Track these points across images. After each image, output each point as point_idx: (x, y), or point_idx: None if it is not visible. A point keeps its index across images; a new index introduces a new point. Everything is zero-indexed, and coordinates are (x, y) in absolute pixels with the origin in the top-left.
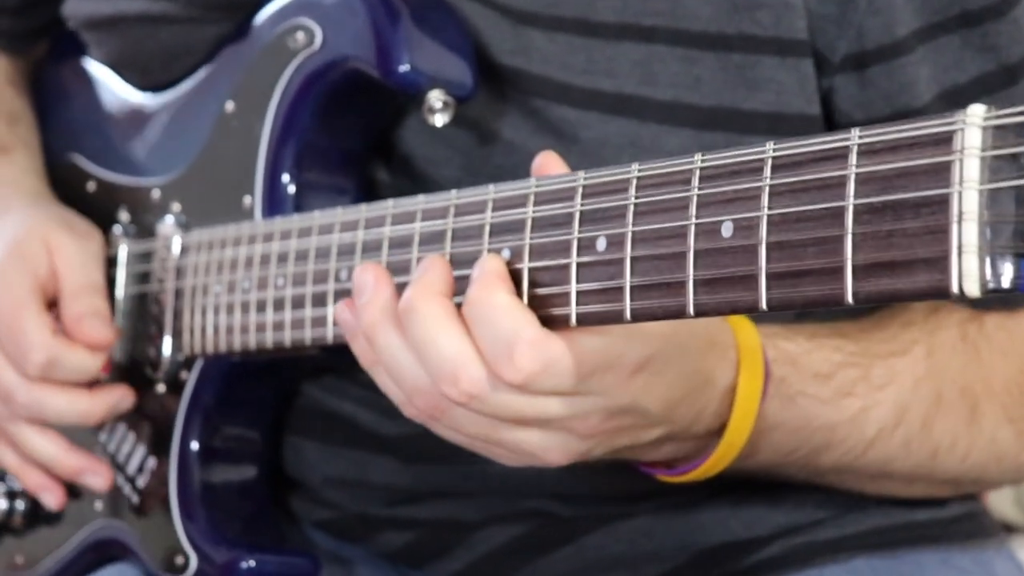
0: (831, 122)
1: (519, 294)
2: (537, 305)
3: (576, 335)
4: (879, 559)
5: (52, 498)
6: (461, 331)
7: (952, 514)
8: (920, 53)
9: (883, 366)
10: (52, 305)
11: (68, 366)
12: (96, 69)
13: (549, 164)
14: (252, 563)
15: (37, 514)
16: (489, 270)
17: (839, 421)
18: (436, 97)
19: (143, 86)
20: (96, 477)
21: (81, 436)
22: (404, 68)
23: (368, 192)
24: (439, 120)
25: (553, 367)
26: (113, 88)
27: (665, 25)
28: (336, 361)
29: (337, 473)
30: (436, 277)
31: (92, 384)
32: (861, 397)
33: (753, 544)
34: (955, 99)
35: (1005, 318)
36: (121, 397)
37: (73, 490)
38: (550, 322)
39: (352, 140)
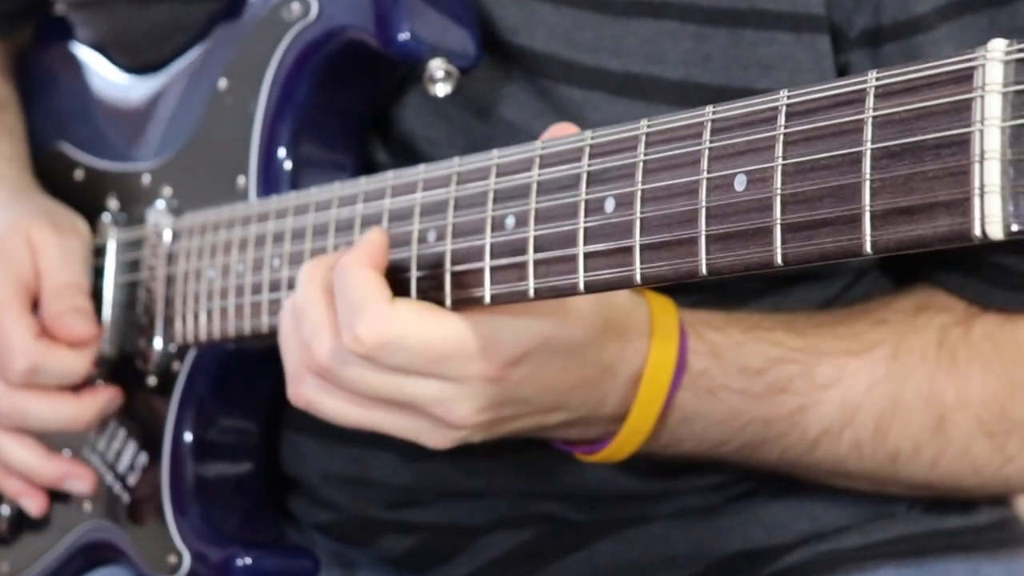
0: None
1: (525, 263)
2: (543, 272)
3: (434, 318)
4: (906, 568)
5: (33, 504)
6: (327, 303)
7: (982, 521)
8: (942, 31)
9: (831, 364)
10: (36, 306)
11: (52, 371)
12: (83, 54)
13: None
14: (248, 560)
15: (23, 519)
16: (364, 240)
17: (773, 417)
18: (437, 66)
19: (132, 66)
20: (78, 482)
21: (69, 434)
22: (404, 36)
23: (372, 159)
24: (440, 90)
25: (397, 343)
26: (100, 73)
27: (676, 0)
28: None
29: (336, 470)
30: (333, 254)
31: (79, 387)
32: (800, 395)
33: (775, 552)
34: None
35: (997, 327)
36: (110, 399)
37: (60, 493)
38: (558, 290)
39: (351, 114)
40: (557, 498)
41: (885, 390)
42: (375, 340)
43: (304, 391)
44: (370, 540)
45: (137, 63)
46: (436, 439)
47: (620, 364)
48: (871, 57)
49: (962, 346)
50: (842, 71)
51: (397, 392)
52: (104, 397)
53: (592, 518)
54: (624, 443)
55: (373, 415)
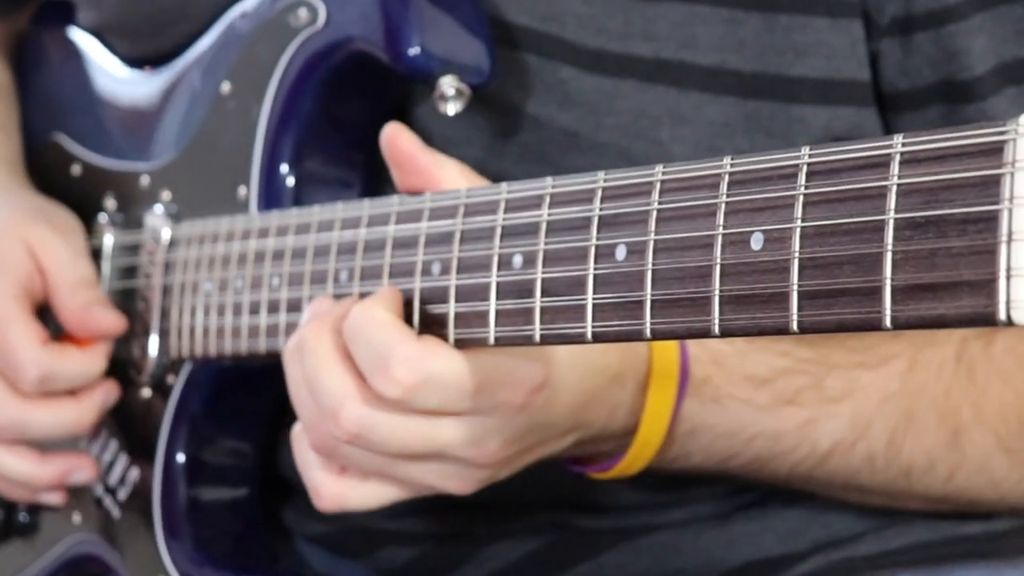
0: (877, 90)
1: (531, 307)
2: (550, 319)
3: (460, 352)
4: (923, 575)
5: (53, 498)
6: (345, 368)
7: (1002, 528)
8: (976, 21)
9: (842, 377)
10: (39, 308)
11: (65, 375)
12: (83, 42)
13: (399, 137)
14: None
15: (10, 527)
16: (379, 293)
17: (782, 430)
18: (448, 84)
19: (131, 54)
20: (80, 473)
21: (61, 444)
22: (414, 51)
23: (379, 178)
24: (451, 108)
25: (435, 379)
26: (102, 64)
27: None
28: None
29: None
30: (329, 313)
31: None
32: (808, 407)
33: (788, 560)
34: (1014, 73)
35: (1019, 339)
36: (108, 392)
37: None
38: (565, 338)
39: (357, 128)
40: (564, 507)
41: (898, 404)
42: (413, 379)
43: (338, 457)
44: (368, 552)
45: (137, 51)
46: (463, 483)
47: (626, 369)
48: (901, 45)
49: (982, 360)
50: (873, 59)
51: (428, 442)
52: (102, 393)
53: (600, 527)
54: (636, 456)
55: (403, 468)
